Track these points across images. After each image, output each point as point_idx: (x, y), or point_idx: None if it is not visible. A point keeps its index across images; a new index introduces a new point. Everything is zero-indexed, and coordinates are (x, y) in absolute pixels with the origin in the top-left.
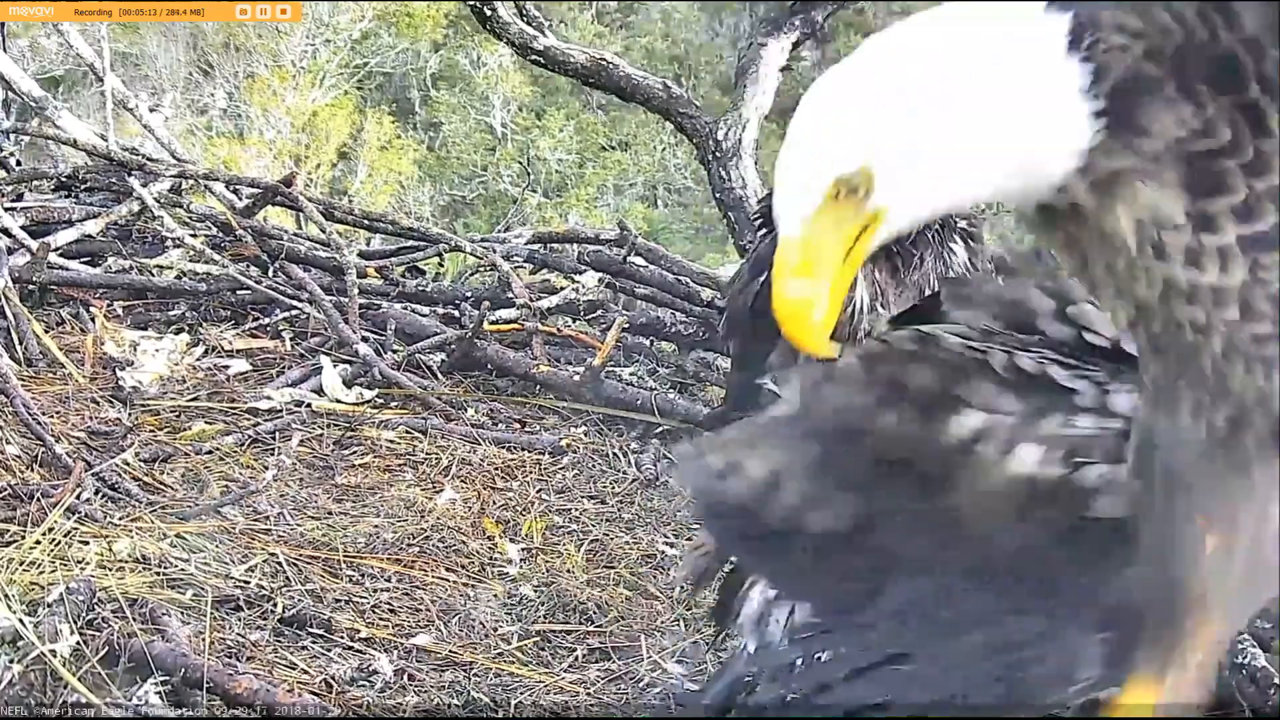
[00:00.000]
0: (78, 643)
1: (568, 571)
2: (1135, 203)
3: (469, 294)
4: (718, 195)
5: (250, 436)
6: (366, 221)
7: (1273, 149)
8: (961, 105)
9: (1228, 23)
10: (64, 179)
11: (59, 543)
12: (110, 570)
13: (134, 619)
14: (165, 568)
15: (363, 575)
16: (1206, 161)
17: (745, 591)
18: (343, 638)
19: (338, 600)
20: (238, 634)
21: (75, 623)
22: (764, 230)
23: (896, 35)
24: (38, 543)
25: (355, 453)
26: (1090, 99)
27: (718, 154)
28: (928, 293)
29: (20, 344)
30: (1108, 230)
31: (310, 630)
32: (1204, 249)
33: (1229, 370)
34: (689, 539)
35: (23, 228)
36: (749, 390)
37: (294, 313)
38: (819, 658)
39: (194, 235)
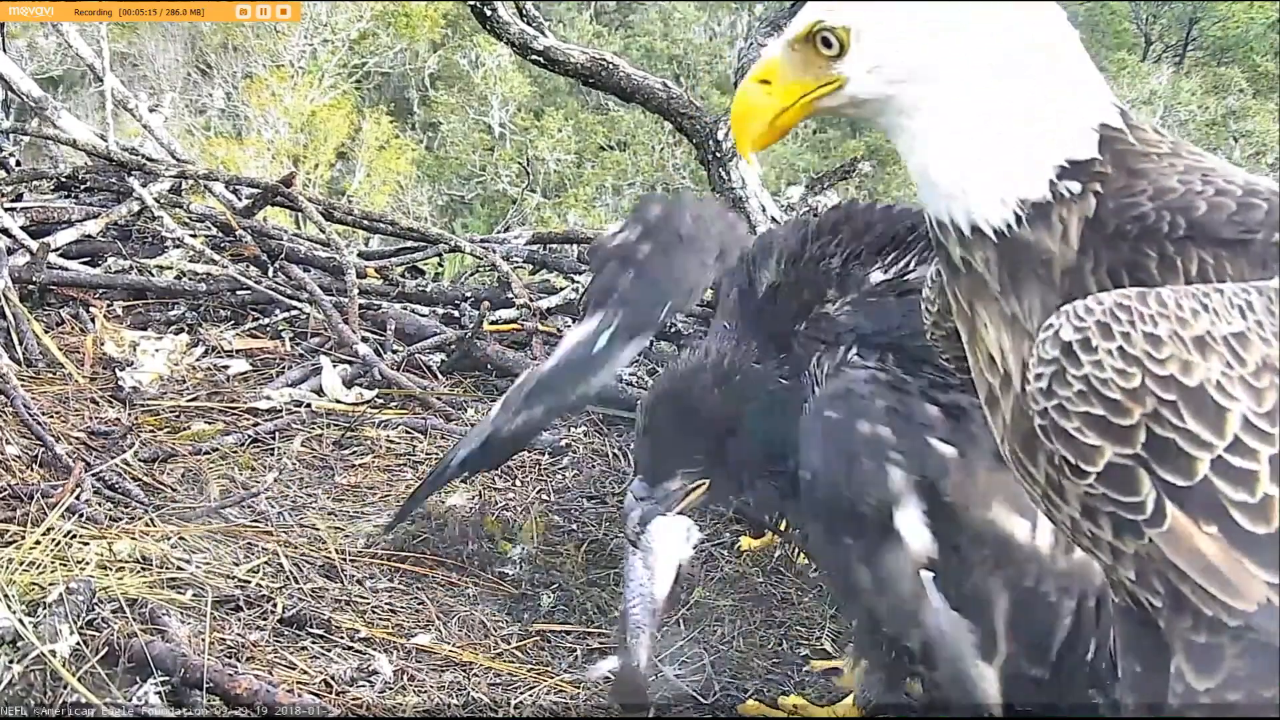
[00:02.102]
0: (78, 643)
1: (568, 571)
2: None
3: (468, 294)
4: (717, 195)
5: (250, 436)
6: (366, 222)
7: None
8: (976, 62)
9: None
10: (64, 179)
11: (59, 543)
12: (110, 570)
13: (134, 619)
14: (165, 568)
15: (363, 575)
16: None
17: None
18: (343, 638)
19: (338, 600)
20: (238, 634)
21: (75, 623)
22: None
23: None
24: (37, 543)
25: (355, 452)
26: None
27: (717, 154)
28: None
29: (20, 344)
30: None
31: (310, 630)
32: None
33: None
34: None
35: (23, 228)
36: None
37: (294, 313)
38: None
39: (194, 235)
